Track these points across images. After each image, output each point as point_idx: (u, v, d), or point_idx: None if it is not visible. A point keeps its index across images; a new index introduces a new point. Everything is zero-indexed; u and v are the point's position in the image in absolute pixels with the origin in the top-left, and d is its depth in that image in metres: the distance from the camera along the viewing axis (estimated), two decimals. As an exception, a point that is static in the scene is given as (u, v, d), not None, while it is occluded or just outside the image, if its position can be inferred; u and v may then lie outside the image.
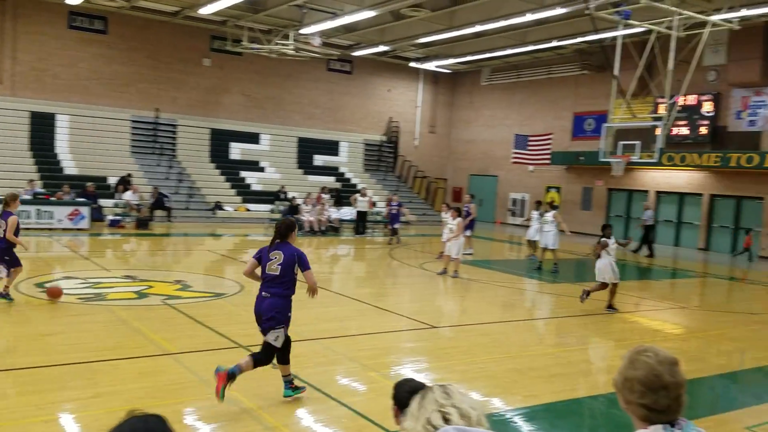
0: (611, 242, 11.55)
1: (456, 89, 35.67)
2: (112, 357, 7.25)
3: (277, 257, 6.15)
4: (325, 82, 31.52)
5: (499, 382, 7.25)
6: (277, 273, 6.14)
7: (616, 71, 18.07)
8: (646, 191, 26.36)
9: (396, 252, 19.18)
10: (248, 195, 26.61)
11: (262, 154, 29.19)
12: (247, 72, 29.11)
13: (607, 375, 7.06)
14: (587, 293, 11.46)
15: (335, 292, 12.35)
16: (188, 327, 8.79)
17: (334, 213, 24.59)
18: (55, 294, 9.80)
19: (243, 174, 27.83)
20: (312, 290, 6.32)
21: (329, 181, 29.01)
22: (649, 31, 18.42)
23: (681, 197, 25.42)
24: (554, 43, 25.83)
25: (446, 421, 1.77)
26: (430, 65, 32.31)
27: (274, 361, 6.26)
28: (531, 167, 30.15)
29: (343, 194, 27.17)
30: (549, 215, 16.66)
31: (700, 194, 24.64)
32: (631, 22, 17.09)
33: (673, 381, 2.02)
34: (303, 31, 24.08)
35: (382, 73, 33.07)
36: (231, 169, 27.74)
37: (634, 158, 18.57)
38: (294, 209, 23.00)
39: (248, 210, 25.54)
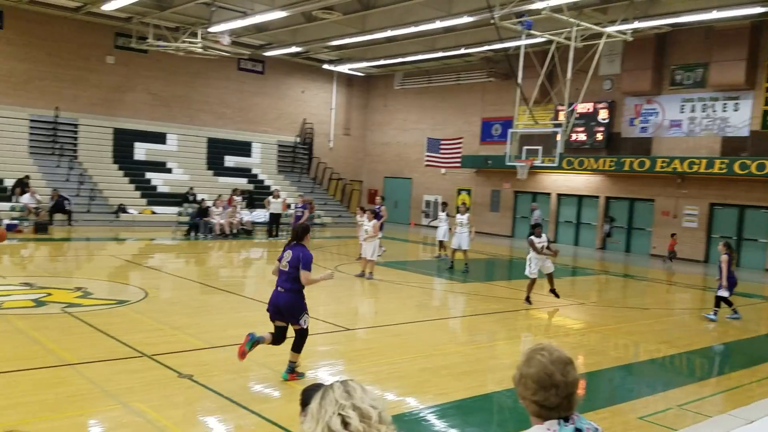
0: (537, 240, 12.34)
1: (370, 92, 35.95)
2: (7, 369, 6.84)
3: (287, 256, 7.12)
4: (236, 82, 30.95)
5: (411, 382, 7.39)
6: (287, 270, 7.08)
7: (519, 79, 18.80)
8: (548, 194, 27.55)
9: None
10: (154, 197, 25.70)
11: (169, 155, 28.28)
12: (153, 70, 28.14)
13: (514, 370, 7.37)
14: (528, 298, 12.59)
15: (247, 297, 12.17)
16: (89, 336, 8.42)
17: (247, 215, 24.19)
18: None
19: (148, 175, 26.86)
20: (306, 284, 7.16)
21: (241, 182, 28.49)
22: (550, 41, 19.29)
23: (580, 199, 26.74)
24: (462, 51, 26.55)
25: (346, 425, 1.72)
26: (344, 68, 32.40)
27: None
28: (443, 170, 30.87)
29: (256, 196, 26.77)
30: (464, 217, 17.12)
31: (597, 196, 26.02)
32: (533, 32, 17.85)
33: (563, 380, 2.08)
34: (212, 29, 23.56)
35: (295, 74, 32.84)
36: (136, 171, 26.71)
37: (537, 162, 19.40)
38: (204, 212, 22.44)
39: (154, 213, 24.68)
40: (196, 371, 7.08)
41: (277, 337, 7.19)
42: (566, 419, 2.08)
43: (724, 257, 12.28)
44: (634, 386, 8.27)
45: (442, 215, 19.26)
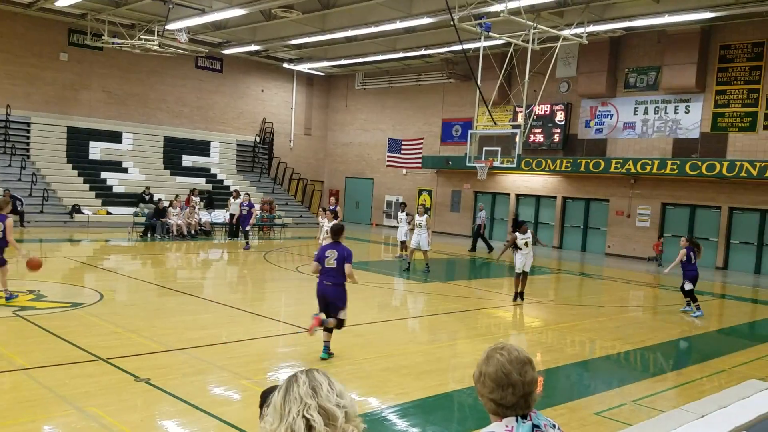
0: (520, 237, 12.99)
1: (331, 92, 35.86)
2: (-47, 377, 6.62)
3: (332, 254, 8.14)
4: (194, 80, 30.51)
5: (373, 382, 7.41)
6: (334, 266, 8.10)
7: (479, 80, 19.01)
8: (507, 194, 27.93)
9: (271, 255, 18.97)
10: (109, 197, 25.15)
11: (124, 154, 27.70)
12: (108, 68, 27.54)
13: (474, 368, 7.46)
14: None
15: (205, 299, 12.02)
16: (43, 340, 8.20)
17: (205, 216, 23.86)
18: (35, 265, 10.17)
19: (104, 175, 26.27)
20: (351, 278, 8.15)
21: (199, 182, 28.08)
22: (509, 44, 19.57)
23: (538, 199, 27.19)
24: (423, 52, 26.71)
25: (310, 429, 1.65)
26: (304, 67, 32.24)
27: None
28: (404, 170, 31.00)
29: (215, 196, 26.43)
30: (422, 219, 17.23)
31: (554, 197, 26.49)
32: (492, 34, 18.08)
33: (521, 380, 2.10)
34: (169, 26, 23.17)
35: (254, 73, 32.54)
36: (90, 170, 26.09)
37: (496, 163, 19.66)
38: (161, 212, 22.05)
39: (109, 213, 24.14)
40: (154, 375, 6.96)
41: (335, 325, 8.31)
42: (524, 416, 2.12)
43: (683, 251, 12.85)
44: (591, 382, 8.45)
45: (401, 215, 19.33)
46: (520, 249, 12.96)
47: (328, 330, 8.20)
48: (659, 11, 19.45)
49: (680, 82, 22.51)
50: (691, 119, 22.82)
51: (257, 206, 22.92)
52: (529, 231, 13.28)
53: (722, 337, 11.83)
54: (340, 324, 8.27)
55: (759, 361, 9.53)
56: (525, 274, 13.10)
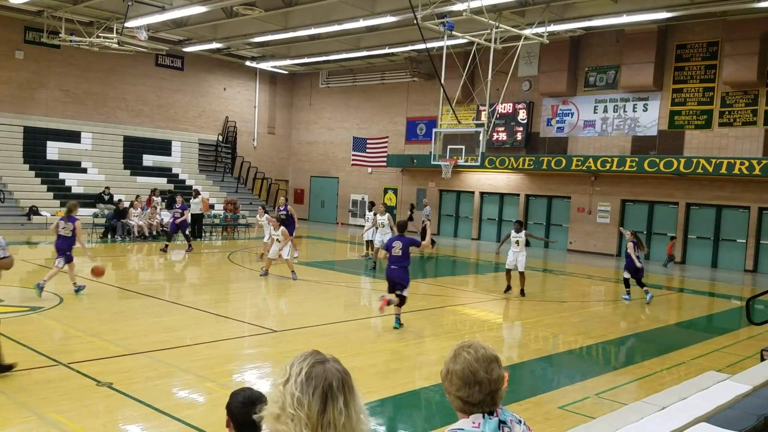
0: (513, 235, 13.88)
1: (295, 90, 35.65)
2: None
3: (398, 245, 10.22)
4: (154, 78, 30.00)
5: (339, 381, 7.39)
6: (399, 254, 10.16)
7: (442, 79, 19.12)
8: (472, 192, 28.17)
9: (235, 256, 18.78)
10: (68, 198, 24.50)
11: (83, 154, 27.09)
12: (66, 66, 26.90)
13: (440, 366, 7.52)
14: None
15: (169, 301, 11.84)
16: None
17: (167, 216, 23.47)
18: (99, 272, 11.34)
19: (62, 175, 25.65)
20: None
21: (161, 182, 27.63)
22: (471, 43, 19.73)
23: (501, 197, 27.49)
24: (386, 50, 26.75)
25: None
26: (267, 65, 31.98)
27: None
28: (370, 169, 31.00)
29: (177, 197, 26.00)
30: (384, 218, 17.23)
31: (517, 194, 26.82)
32: (455, 33, 18.21)
33: (487, 378, 2.12)
34: (128, 24, 22.73)
35: (216, 71, 32.15)
36: (48, 171, 25.44)
37: (461, 161, 19.80)
38: (121, 213, 21.64)
39: (69, 215, 23.56)
40: (116, 379, 6.83)
41: (399, 301, 10.19)
42: (490, 413, 2.15)
43: (630, 244, 13.83)
44: (554, 377, 8.59)
45: (369, 215, 19.30)
46: (513, 246, 13.93)
47: (398, 305, 10.10)
48: (618, 11, 19.84)
49: (638, 81, 23.01)
50: (649, 117, 23.35)
51: (186, 207, 21.70)
52: (522, 231, 14.05)
53: (681, 329, 12.14)
54: (403, 300, 10.17)
55: (717, 352, 9.81)
56: (521, 273, 13.95)
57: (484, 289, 15.42)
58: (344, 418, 1.59)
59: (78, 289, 11.65)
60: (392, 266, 10.18)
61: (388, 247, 10.40)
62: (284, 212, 17.26)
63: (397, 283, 10.10)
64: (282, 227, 14.60)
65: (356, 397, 1.65)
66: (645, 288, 13.77)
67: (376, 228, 17.61)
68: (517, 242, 13.88)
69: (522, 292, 13.87)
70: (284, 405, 1.59)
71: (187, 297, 12.60)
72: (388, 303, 10.07)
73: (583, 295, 15.61)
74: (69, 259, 11.68)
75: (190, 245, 19.09)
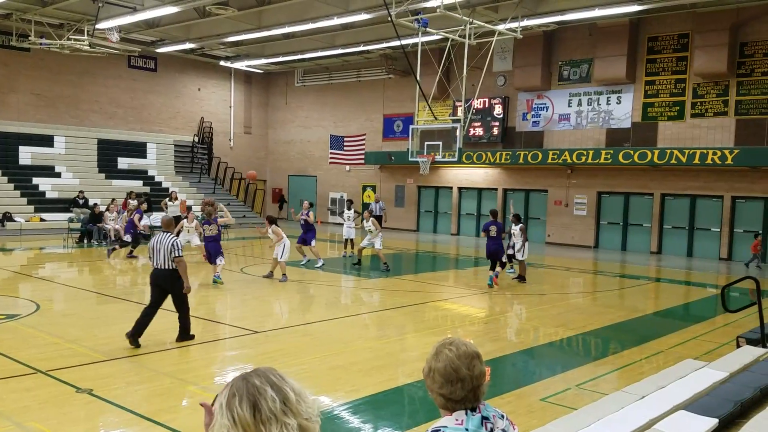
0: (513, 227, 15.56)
1: (270, 89, 35.47)
2: None
3: (494, 228, 14.10)
4: (127, 80, 29.66)
5: (323, 381, 7.39)
6: (495, 235, 14.10)
7: (418, 76, 19.15)
8: (450, 187, 28.28)
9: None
10: (42, 203, 24.20)
11: (57, 158, 26.70)
12: (36, 69, 26.48)
13: (423, 362, 7.57)
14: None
15: (146, 305, 11.71)
16: (-25, 356, 7.83)
17: (143, 219, 23.19)
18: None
19: (35, 180, 25.26)
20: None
21: (136, 185, 27.31)
22: (446, 39, 19.78)
23: (479, 192, 27.64)
24: (361, 48, 26.71)
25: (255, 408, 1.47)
26: (241, 65, 31.77)
27: None
28: (348, 167, 30.96)
29: (153, 199, 25.74)
30: (369, 224, 17.20)
31: (495, 189, 26.99)
32: (429, 29, 18.23)
33: (469, 374, 2.13)
34: (99, 26, 22.42)
35: (190, 72, 31.87)
36: (21, 176, 25.03)
37: (438, 157, 19.87)
38: (97, 217, 21.36)
39: (43, 220, 23.24)
40: (96, 385, 6.76)
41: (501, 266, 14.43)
42: (473, 409, 2.16)
43: (520, 226, 15.64)
44: (536, 369, 8.67)
45: (349, 213, 19.26)
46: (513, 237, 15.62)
47: (502, 267, 14.61)
48: (590, 5, 20.03)
49: (611, 74, 23.26)
50: (623, 110, 23.62)
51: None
52: (519, 224, 15.65)
53: (658, 319, 12.32)
54: (503, 265, 14.63)
55: (694, 341, 9.97)
56: (520, 261, 15.52)
57: (465, 284, 15.50)
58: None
59: (217, 278, 13.61)
60: (493, 245, 14.06)
61: (486, 228, 14.18)
62: (305, 216, 16.84)
63: (494, 255, 14.22)
64: (274, 226, 14.60)
65: (289, 380, 1.57)
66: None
67: (360, 227, 17.53)
68: (514, 234, 15.52)
69: (521, 278, 15.47)
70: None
71: (166, 300, 12.47)
72: (496, 276, 13.98)
73: (562, 287, 15.77)
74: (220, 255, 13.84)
75: (131, 253, 18.16)
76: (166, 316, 10.61)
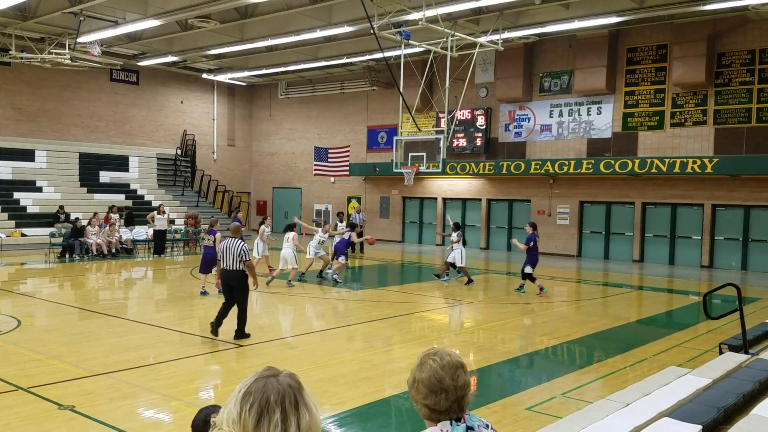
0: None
1: (254, 102, 35.45)
2: None
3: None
4: (109, 93, 29.50)
5: (309, 393, 7.34)
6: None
7: (401, 88, 19.26)
8: (435, 198, 28.37)
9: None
10: (24, 218, 23.92)
11: (38, 173, 26.43)
12: (17, 83, 26.27)
13: (409, 373, 7.56)
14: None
15: (130, 320, 11.62)
16: (-46, 374, 7.70)
17: (126, 233, 23.04)
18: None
19: (17, 195, 24.96)
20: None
21: (119, 199, 27.10)
22: (428, 51, 19.93)
23: (464, 202, 27.75)
24: (345, 60, 26.81)
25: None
26: (224, 77, 31.74)
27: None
28: (332, 179, 30.96)
29: (136, 212, 25.56)
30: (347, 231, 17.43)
31: (479, 199, 27.12)
32: (411, 42, 18.36)
33: (453, 385, 2.13)
34: (80, 39, 22.30)
35: (172, 84, 31.77)
36: (2, 191, 24.72)
37: (422, 168, 19.95)
38: (79, 231, 21.15)
39: (24, 235, 22.96)
40: (79, 401, 6.68)
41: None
42: (458, 419, 2.17)
43: (458, 233, 16.28)
44: (521, 378, 8.70)
45: (341, 225, 19.21)
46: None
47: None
48: (569, 17, 20.28)
49: (591, 85, 23.53)
50: (603, 120, 23.89)
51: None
52: (453, 234, 16.31)
53: (642, 326, 12.41)
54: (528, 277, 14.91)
55: (677, 348, 10.06)
56: (461, 267, 16.27)
57: (450, 295, 15.53)
58: None
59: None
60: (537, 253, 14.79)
61: (533, 239, 14.69)
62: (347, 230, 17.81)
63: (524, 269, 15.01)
64: (292, 233, 15.32)
65: (302, 411, 1.58)
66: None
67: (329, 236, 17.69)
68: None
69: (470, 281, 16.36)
70: (222, 423, 1.58)
71: (150, 315, 12.38)
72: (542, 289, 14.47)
73: (546, 297, 15.83)
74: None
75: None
76: (149, 330, 10.53)
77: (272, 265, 16.84)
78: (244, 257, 9.70)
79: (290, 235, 15.30)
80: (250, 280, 9.93)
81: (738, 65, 21.24)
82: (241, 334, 9.81)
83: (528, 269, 14.98)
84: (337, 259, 16.60)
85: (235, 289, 9.79)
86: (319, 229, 16.61)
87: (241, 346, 9.64)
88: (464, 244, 16.60)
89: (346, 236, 17.26)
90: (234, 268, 9.72)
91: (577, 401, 7.08)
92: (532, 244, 14.99)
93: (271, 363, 8.58)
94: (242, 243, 9.80)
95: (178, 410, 6.70)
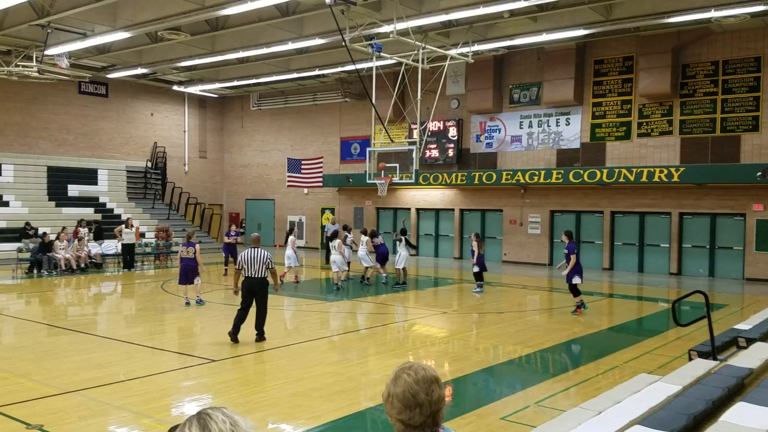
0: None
1: (225, 114, 35.24)
2: None
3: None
4: (77, 106, 29.10)
5: (282, 408, 7.30)
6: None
7: (373, 99, 19.35)
8: (408, 208, 28.45)
9: (169, 285, 18.28)
10: (-12, 234, 23.39)
11: (4, 187, 25.91)
12: (-19, 96, 25.75)
13: (384, 385, 7.54)
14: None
15: (99, 336, 11.42)
16: None
17: (95, 248, 22.66)
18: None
19: (-19, 210, 24.43)
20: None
21: (88, 212, 26.67)
22: (400, 63, 20.07)
23: (437, 213, 27.89)
24: (317, 72, 26.84)
25: None
26: (195, 89, 31.51)
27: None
28: (306, 190, 30.87)
29: (105, 226, 25.17)
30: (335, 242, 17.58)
31: (452, 209, 27.28)
32: (383, 54, 18.49)
33: (428, 399, 2.12)
34: (48, 51, 21.97)
35: (142, 96, 31.46)
36: (-35, 206, 24.19)
37: (396, 179, 20.02)
38: (47, 246, 20.75)
39: (-11, 251, 22.43)
40: (47, 420, 6.54)
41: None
42: (432, 433, 2.17)
43: (475, 243, 16.90)
44: (496, 388, 8.75)
45: (364, 238, 18.99)
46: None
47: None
48: (537, 30, 20.61)
49: (560, 96, 23.90)
50: (572, 131, 24.26)
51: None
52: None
53: (613, 334, 12.58)
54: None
55: (647, 355, 10.21)
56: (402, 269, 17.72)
57: (425, 304, 15.57)
58: None
59: (199, 302, 14.19)
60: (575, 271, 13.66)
61: (575, 251, 13.65)
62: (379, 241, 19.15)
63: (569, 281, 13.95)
64: (337, 240, 17.74)
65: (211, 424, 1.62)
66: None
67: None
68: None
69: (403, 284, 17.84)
70: None
71: (119, 330, 12.18)
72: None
73: (519, 305, 15.97)
74: (197, 275, 14.18)
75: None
76: (119, 347, 10.37)
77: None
78: (270, 265, 10.44)
79: (337, 242, 17.74)
80: (272, 283, 10.85)
81: (702, 76, 21.77)
82: (262, 336, 10.55)
83: (576, 279, 13.69)
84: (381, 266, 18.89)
85: (258, 294, 10.47)
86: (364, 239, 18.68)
87: (214, 360, 9.53)
88: (412, 248, 18.11)
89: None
90: (260, 276, 10.38)
91: (551, 410, 7.14)
92: (574, 254, 13.71)
93: (243, 378, 8.49)
94: (266, 252, 10.50)
95: (150, 428, 6.60)
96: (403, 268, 18.21)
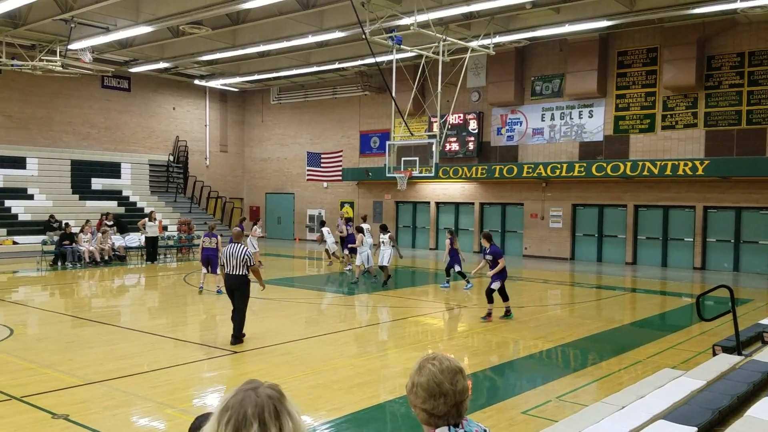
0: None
1: (246, 108, 35.43)
2: None
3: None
4: (101, 100, 29.43)
5: (303, 400, 7.33)
6: None
7: (393, 92, 19.28)
8: (428, 202, 28.40)
9: (191, 277, 18.46)
10: (15, 226, 23.80)
11: (29, 180, 26.32)
12: (7, 91, 26.17)
13: (404, 378, 7.53)
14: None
15: (123, 327, 11.57)
16: (-54, 384, 7.65)
17: (118, 240, 22.95)
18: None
19: (8, 203, 24.85)
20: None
21: (111, 206, 27.01)
22: (420, 56, 19.98)
23: (457, 206, 27.79)
24: (336, 65, 26.84)
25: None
26: (216, 83, 31.71)
27: None
28: (325, 184, 30.97)
29: (129, 219, 25.48)
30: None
31: (472, 203, 27.16)
32: (403, 47, 18.40)
33: (452, 389, 2.13)
34: (72, 46, 22.24)
35: (164, 91, 31.72)
36: (-8, 199, 24.63)
37: (415, 173, 19.96)
38: (68, 236, 21.05)
39: (16, 243, 22.84)
40: (73, 410, 6.64)
41: None
42: (456, 425, 2.17)
43: (447, 240, 16.77)
44: (517, 382, 8.70)
45: (384, 237, 19.02)
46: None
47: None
48: (560, 21, 20.39)
49: (583, 88, 23.64)
50: (595, 123, 23.99)
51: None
52: (382, 234, 17.58)
53: (636, 329, 12.45)
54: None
55: (671, 350, 10.09)
56: (385, 267, 16.90)
57: (445, 299, 15.53)
58: None
59: (219, 291, 14.27)
60: None
61: None
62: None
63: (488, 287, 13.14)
64: (360, 235, 17.37)
65: (284, 420, 1.58)
66: (467, 278, 16.36)
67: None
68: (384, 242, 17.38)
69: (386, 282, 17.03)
70: None
71: (143, 322, 12.32)
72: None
73: (540, 300, 15.87)
74: (216, 267, 13.90)
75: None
76: (142, 338, 10.49)
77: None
78: (248, 262, 9.89)
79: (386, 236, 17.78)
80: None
81: (728, 68, 21.39)
82: (237, 339, 9.92)
83: (497, 284, 12.44)
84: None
85: (236, 292, 10.00)
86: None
87: (236, 352, 9.60)
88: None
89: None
90: (237, 273, 9.91)
91: (573, 404, 7.09)
92: (502, 258, 12.82)
93: (265, 369, 8.55)
94: (245, 248, 9.99)
95: (173, 418, 6.67)
96: (384, 266, 17.29)
